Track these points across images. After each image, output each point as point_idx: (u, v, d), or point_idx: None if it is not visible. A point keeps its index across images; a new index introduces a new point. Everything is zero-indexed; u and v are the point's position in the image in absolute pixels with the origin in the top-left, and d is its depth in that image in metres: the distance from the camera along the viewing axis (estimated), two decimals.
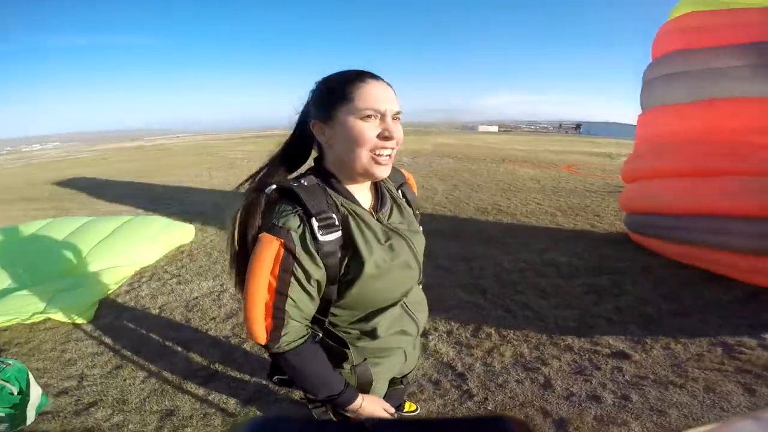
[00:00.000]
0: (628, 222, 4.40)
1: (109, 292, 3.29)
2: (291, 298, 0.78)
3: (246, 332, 0.84)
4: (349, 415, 0.90)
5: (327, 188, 0.82)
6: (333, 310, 0.88)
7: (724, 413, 1.89)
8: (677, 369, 2.22)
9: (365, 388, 0.95)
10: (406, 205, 0.98)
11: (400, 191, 0.99)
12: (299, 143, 0.89)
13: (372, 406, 0.92)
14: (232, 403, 2.01)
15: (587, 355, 2.36)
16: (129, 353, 2.47)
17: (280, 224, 0.76)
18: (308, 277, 0.78)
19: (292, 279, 0.77)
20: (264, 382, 2.13)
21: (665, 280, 3.36)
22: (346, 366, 0.93)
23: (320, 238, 0.76)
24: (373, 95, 0.76)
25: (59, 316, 2.79)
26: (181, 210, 6.38)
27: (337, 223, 0.79)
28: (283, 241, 0.75)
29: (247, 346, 2.49)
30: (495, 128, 60.01)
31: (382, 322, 0.90)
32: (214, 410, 1.97)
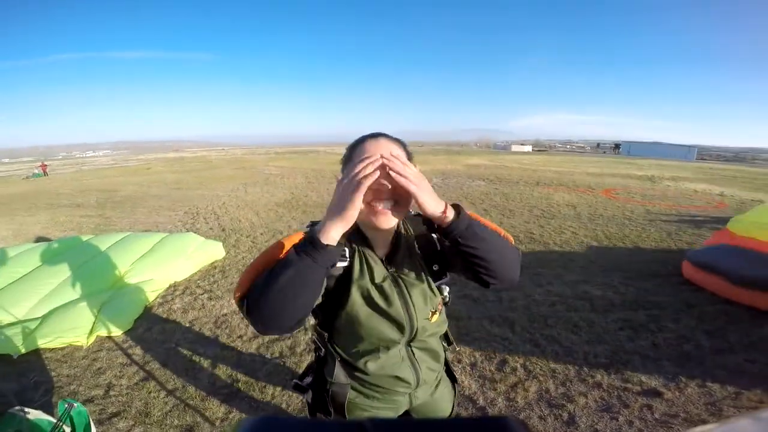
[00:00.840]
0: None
1: (146, 305, 3.44)
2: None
3: (235, 292, 0.84)
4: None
5: (352, 230, 0.85)
6: (335, 333, 0.98)
7: None
8: (711, 407, 2.10)
9: (339, 408, 1.02)
10: (419, 256, 0.99)
11: (419, 239, 1.00)
12: None
13: (338, 204, 0.78)
14: None
15: (616, 393, 2.25)
16: (157, 366, 2.56)
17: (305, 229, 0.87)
18: None
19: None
20: (283, 405, 2.15)
21: (709, 316, 3.16)
22: (328, 379, 1.03)
23: None
24: (365, 152, 0.84)
25: (105, 332, 2.93)
26: (217, 225, 6.64)
27: (347, 255, 0.91)
28: (301, 233, 0.85)
29: (270, 367, 2.52)
30: (529, 148, 58.95)
31: (371, 360, 0.97)
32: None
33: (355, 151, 0.88)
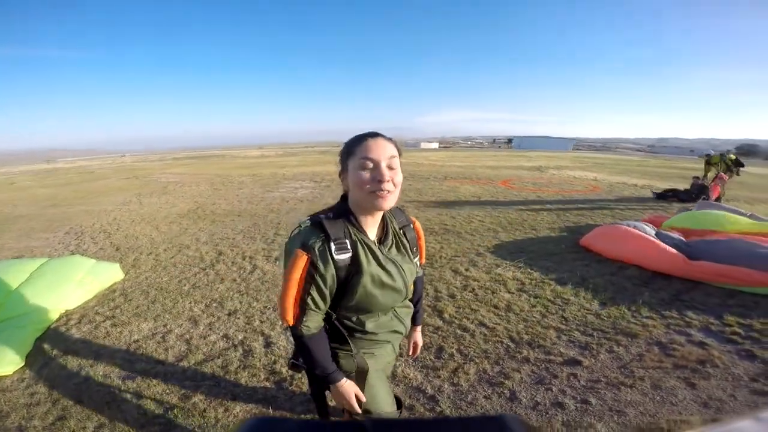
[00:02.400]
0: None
1: (36, 338, 2.95)
2: (311, 295, 1.08)
3: (280, 316, 1.20)
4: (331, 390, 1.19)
5: (345, 221, 1.10)
6: (340, 310, 1.17)
7: (674, 407, 2.10)
8: (624, 370, 2.45)
9: (363, 374, 1.23)
10: (405, 242, 1.24)
11: (402, 230, 1.25)
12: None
13: (348, 388, 1.17)
14: None
15: (544, 365, 2.52)
16: (70, 403, 2.25)
17: (309, 244, 1.05)
18: (324, 282, 1.07)
19: (313, 283, 1.07)
20: (231, 426, 2.03)
21: (601, 288, 3.69)
22: (348, 354, 1.22)
23: (335, 257, 1.06)
24: (369, 150, 1.03)
25: None
26: (108, 245, 5.83)
27: (348, 247, 1.08)
28: (309, 255, 1.04)
29: (204, 389, 2.33)
30: (436, 145, 62.42)
31: (370, 323, 1.21)
32: None
33: (355, 149, 1.05)
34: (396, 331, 1.29)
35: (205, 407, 2.17)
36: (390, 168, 1.04)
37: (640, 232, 4.51)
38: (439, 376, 2.41)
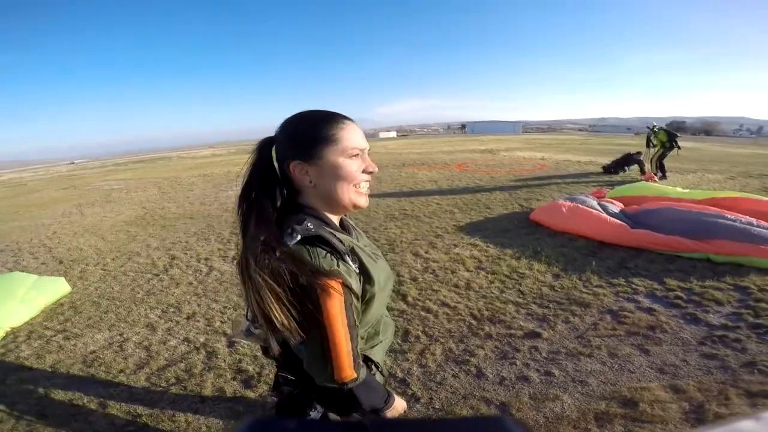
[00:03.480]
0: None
1: None
2: (357, 326, 0.82)
3: (335, 378, 0.79)
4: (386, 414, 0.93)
5: (325, 226, 0.83)
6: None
7: (632, 374, 2.23)
8: (581, 340, 2.60)
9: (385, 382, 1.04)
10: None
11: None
12: (268, 185, 0.84)
13: (401, 404, 0.98)
14: None
15: (505, 340, 2.64)
16: (32, 418, 2.15)
17: (330, 268, 0.76)
18: (356, 306, 0.82)
19: (353, 313, 0.80)
20: (204, 428, 2.01)
21: (553, 260, 3.91)
22: (377, 370, 1.00)
23: (354, 269, 0.81)
24: (356, 136, 0.84)
25: None
26: (50, 259, 5.43)
27: (350, 254, 0.82)
28: (341, 280, 0.76)
29: (170, 395, 2.28)
30: (394, 134, 62.69)
31: (381, 326, 1.00)
32: None
33: (331, 131, 0.81)
34: (388, 328, 1.08)
35: (173, 412, 2.13)
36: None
37: (584, 206, 4.80)
38: (408, 359, 2.47)
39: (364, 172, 0.85)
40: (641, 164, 9.68)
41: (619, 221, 4.40)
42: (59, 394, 2.36)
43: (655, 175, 8.93)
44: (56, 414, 2.19)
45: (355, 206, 0.87)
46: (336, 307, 0.75)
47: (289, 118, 0.86)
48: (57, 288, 3.94)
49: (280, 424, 0.38)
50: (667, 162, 9.29)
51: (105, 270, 4.65)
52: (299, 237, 0.76)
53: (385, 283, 0.91)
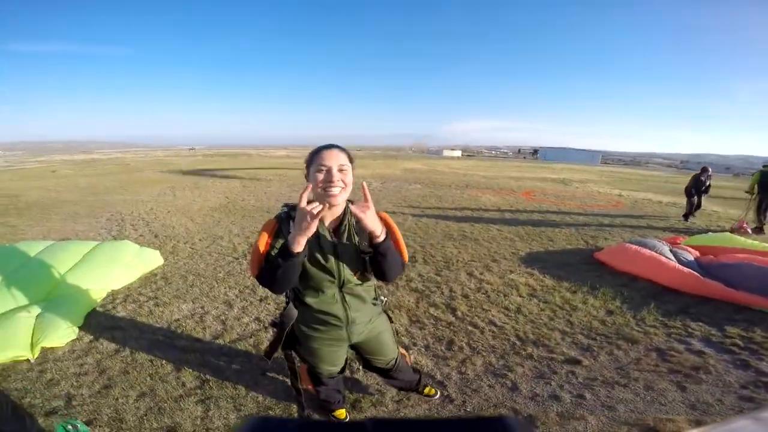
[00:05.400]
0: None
1: (86, 314, 3.28)
2: (276, 248, 1.40)
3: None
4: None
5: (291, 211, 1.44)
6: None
7: (662, 407, 2.26)
8: (621, 371, 2.61)
9: (282, 323, 1.61)
10: (355, 234, 1.48)
11: (356, 225, 1.47)
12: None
13: (299, 224, 1.28)
14: (233, 418, 2.12)
15: (545, 362, 2.71)
16: (116, 373, 2.49)
17: (279, 216, 1.46)
18: (280, 241, 1.40)
19: (279, 238, 1.42)
20: (260, 398, 2.27)
21: (609, 297, 3.83)
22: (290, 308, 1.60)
23: (291, 229, 1.33)
24: (323, 157, 1.33)
25: (48, 343, 2.77)
26: (147, 232, 6.30)
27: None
28: (275, 220, 1.45)
29: (237, 365, 2.60)
30: (458, 153, 62.11)
31: (309, 297, 1.53)
32: (216, 425, 2.07)
33: (314, 157, 1.35)
34: (331, 314, 1.55)
35: (237, 380, 2.43)
36: (340, 170, 1.33)
37: (653, 252, 4.59)
38: (449, 365, 2.64)
39: (325, 180, 1.30)
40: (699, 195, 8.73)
41: (689, 270, 4.18)
42: (143, 355, 2.71)
43: (752, 225, 7.82)
44: (137, 372, 2.51)
45: (326, 201, 1.33)
46: (258, 244, 1.40)
47: None
48: (154, 259, 4.59)
49: (280, 423, 0.38)
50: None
51: (193, 248, 5.31)
52: (283, 209, 1.48)
53: (312, 261, 1.43)
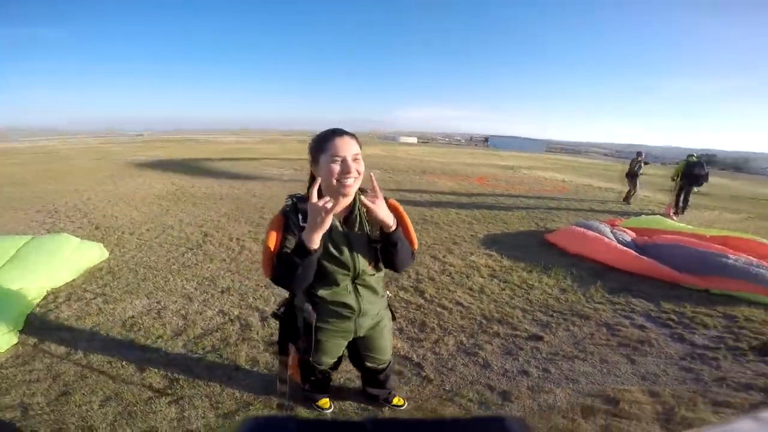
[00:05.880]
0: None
1: (26, 316, 2.96)
2: (287, 247, 1.34)
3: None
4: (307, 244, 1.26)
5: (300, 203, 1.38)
6: None
7: (617, 378, 2.48)
8: (578, 346, 2.84)
9: (307, 328, 1.50)
10: (366, 224, 1.43)
11: (367, 215, 1.42)
12: (311, 179, 1.37)
13: (313, 220, 1.23)
14: (211, 417, 2.03)
15: (511, 339, 2.88)
16: (72, 378, 2.28)
17: (285, 211, 1.38)
18: (291, 237, 1.35)
19: (288, 234, 1.36)
20: (237, 393, 2.20)
21: (561, 276, 4.11)
22: (298, 305, 1.52)
23: (300, 222, 1.32)
24: (337, 146, 1.25)
25: None
26: (87, 223, 5.76)
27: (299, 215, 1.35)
28: (281, 215, 1.38)
29: (206, 362, 2.47)
30: (414, 139, 62.72)
31: (323, 290, 1.46)
32: (196, 425, 1.97)
33: (324, 146, 1.26)
34: (345, 305, 1.49)
35: (209, 377, 2.31)
36: (354, 160, 1.27)
37: (597, 234, 5.00)
38: (423, 347, 2.73)
39: (342, 172, 1.25)
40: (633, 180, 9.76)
41: (627, 249, 4.60)
42: (99, 357, 2.48)
43: (674, 208, 8.70)
44: (96, 375, 2.31)
45: (340, 193, 1.29)
46: (268, 242, 1.35)
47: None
48: (96, 253, 4.17)
49: (279, 423, 0.38)
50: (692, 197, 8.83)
51: (140, 239, 4.92)
52: (288, 199, 1.41)
53: (326, 255, 1.37)
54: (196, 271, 3.95)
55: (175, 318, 3.02)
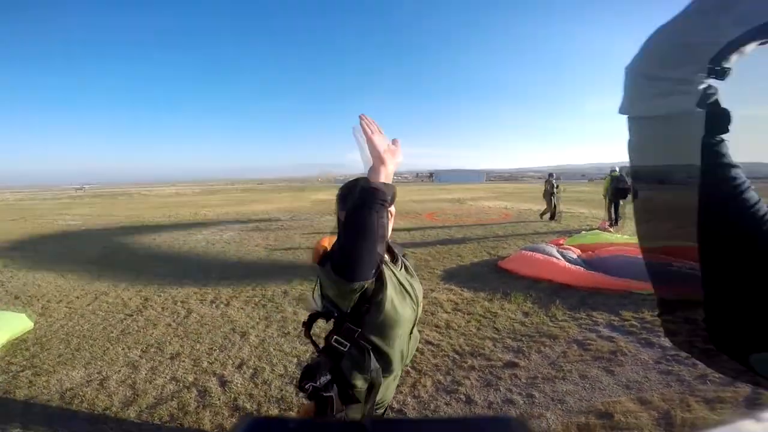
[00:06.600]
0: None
1: None
2: None
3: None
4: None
5: None
6: (365, 327, 1.06)
7: (603, 391, 2.53)
8: (554, 366, 2.89)
9: (375, 389, 1.11)
10: (408, 266, 1.29)
11: (404, 256, 1.31)
12: None
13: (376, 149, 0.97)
14: None
15: (488, 370, 2.87)
16: None
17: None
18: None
19: None
20: None
21: (521, 300, 4.24)
22: (362, 374, 1.10)
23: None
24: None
25: None
26: (4, 293, 5.12)
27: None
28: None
29: (169, 428, 2.28)
30: None
31: (387, 342, 1.11)
32: None
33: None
34: (403, 354, 1.20)
35: None
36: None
37: (546, 255, 5.29)
38: (402, 391, 2.62)
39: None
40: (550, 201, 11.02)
41: (576, 266, 4.90)
42: (40, 430, 2.26)
43: (609, 222, 9.52)
44: None
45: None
46: (320, 242, 1.16)
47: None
48: (18, 323, 3.76)
49: (278, 423, 0.38)
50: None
51: (70, 307, 4.46)
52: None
53: (400, 295, 1.12)
54: (138, 337, 3.59)
55: (121, 388, 2.73)
